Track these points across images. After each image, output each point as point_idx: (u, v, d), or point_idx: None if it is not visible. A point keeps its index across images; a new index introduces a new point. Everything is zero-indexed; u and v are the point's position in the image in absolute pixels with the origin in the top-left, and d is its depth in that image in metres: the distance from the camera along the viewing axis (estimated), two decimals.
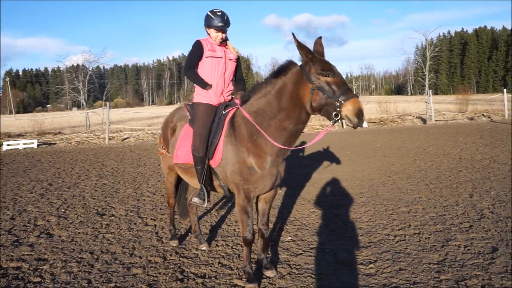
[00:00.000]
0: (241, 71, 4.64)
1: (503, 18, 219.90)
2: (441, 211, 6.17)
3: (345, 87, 3.42)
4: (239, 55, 4.57)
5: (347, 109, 3.33)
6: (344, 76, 3.68)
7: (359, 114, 3.33)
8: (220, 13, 4.20)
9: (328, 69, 3.46)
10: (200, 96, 4.33)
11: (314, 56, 3.54)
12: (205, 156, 4.06)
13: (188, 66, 4.33)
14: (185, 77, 4.51)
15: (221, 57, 4.32)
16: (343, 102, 3.34)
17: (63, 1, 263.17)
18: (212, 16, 4.20)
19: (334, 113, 3.40)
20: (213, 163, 4.06)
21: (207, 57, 4.29)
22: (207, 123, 4.14)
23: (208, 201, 4.29)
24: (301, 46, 3.55)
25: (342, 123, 22.92)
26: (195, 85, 4.40)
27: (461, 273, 4.05)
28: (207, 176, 4.20)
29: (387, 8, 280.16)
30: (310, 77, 3.48)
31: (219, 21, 4.17)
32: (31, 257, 4.81)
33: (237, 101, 4.13)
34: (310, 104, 3.51)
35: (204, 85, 4.26)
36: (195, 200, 4.27)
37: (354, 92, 3.47)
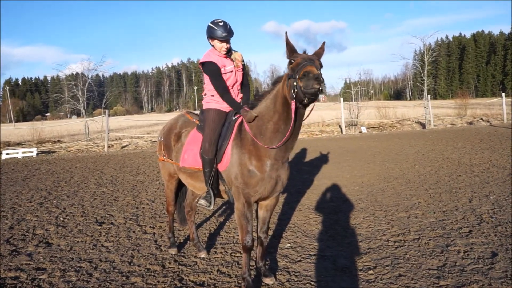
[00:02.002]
0: (246, 77, 4.62)
1: (500, 22, 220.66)
2: (441, 216, 6.16)
3: (302, 63, 3.32)
4: (244, 63, 4.54)
5: (299, 79, 3.26)
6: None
7: (304, 75, 3.19)
8: (222, 23, 4.15)
9: (293, 57, 3.47)
10: (211, 103, 4.34)
11: (291, 53, 3.56)
12: (213, 159, 4.08)
13: (223, 90, 4.23)
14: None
15: (232, 71, 4.33)
16: (297, 76, 3.29)
17: (59, 9, 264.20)
18: (214, 27, 4.13)
19: (292, 92, 3.39)
20: (221, 166, 4.08)
21: (223, 73, 4.28)
22: (217, 126, 4.17)
23: (214, 204, 4.29)
24: (286, 44, 3.58)
25: (341, 129, 22.94)
26: (205, 93, 4.43)
27: (461, 278, 4.04)
28: (214, 180, 4.20)
29: (385, 13, 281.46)
30: (289, 73, 3.51)
31: (222, 32, 4.11)
32: (30, 267, 4.79)
33: (246, 108, 4.13)
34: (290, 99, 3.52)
35: (238, 108, 4.17)
36: (202, 202, 4.27)
37: (319, 70, 3.28)
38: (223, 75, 4.27)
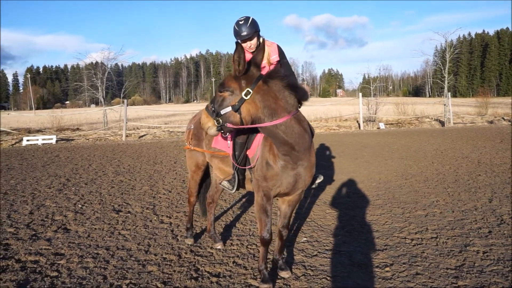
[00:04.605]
0: (285, 67, 4.43)
1: None
2: (459, 215, 6.07)
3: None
4: (279, 48, 4.42)
5: None
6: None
7: None
8: (242, 22, 4.13)
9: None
10: None
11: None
12: (244, 143, 4.05)
13: None
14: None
15: (264, 66, 4.23)
16: None
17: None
18: (236, 27, 4.16)
19: None
20: (250, 152, 4.03)
21: None
22: None
23: (237, 189, 4.25)
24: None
25: (359, 125, 22.76)
26: None
27: (479, 279, 3.98)
28: (242, 164, 4.14)
29: (406, 10, 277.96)
30: None
31: (242, 31, 4.12)
32: (49, 252, 4.87)
33: None
34: None
35: None
36: (225, 184, 4.24)
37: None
38: None
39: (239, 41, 4.20)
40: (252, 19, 4.18)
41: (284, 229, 4.20)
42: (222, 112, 3.47)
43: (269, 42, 4.42)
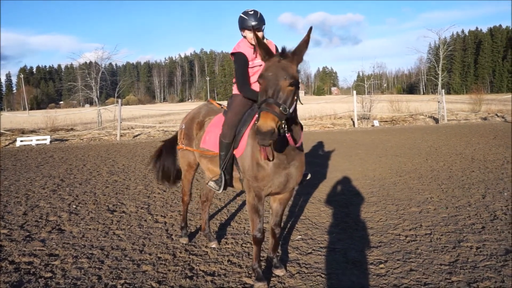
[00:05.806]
0: None
1: None
2: (453, 211, 6.10)
3: (263, 98, 3.10)
4: (276, 48, 4.39)
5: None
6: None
7: (257, 127, 2.94)
8: (252, 12, 4.13)
9: (259, 77, 3.26)
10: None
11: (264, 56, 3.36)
12: (231, 144, 4.06)
13: (242, 84, 4.20)
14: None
15: (261, 65, 4.17)
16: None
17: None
18: (245, 16, 4.13)
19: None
20: (237, 152, 4.03)
21: (251, 67, 4.24)
22: (239, 112, 4.15)
23: (224, 189, 4.26)
24: (258, 44, 3.37)
25: (353, 122, 22.81)
26: (235, 81, 4.33)
27: (473, 275, 4.00)
28: (229, 165, 4.16)
29: (402, 7, 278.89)
30: None
31: (252, 21, 4.09)
32: (43, 252, 4.86)
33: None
34: None
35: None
36: (211, 184, 4.27)
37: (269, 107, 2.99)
38: (251, 69, 4.24)
39: (247, 30, 4.16)
40: (260, 12, 4.17)
41: (276, 227, 4.21)
42: (292, 109, 3.15)
43: (268, 40, 4.42)
